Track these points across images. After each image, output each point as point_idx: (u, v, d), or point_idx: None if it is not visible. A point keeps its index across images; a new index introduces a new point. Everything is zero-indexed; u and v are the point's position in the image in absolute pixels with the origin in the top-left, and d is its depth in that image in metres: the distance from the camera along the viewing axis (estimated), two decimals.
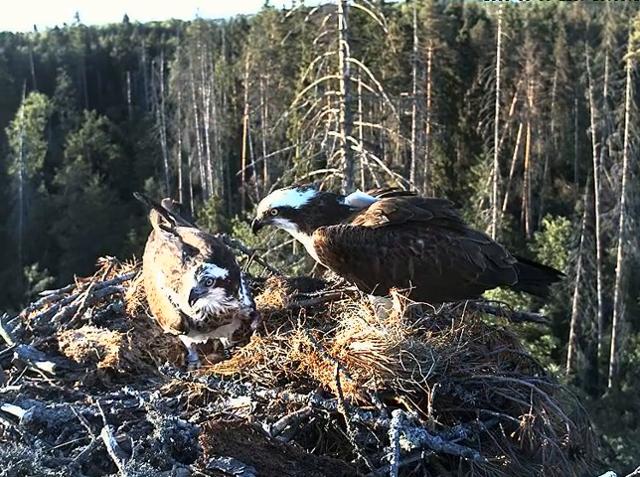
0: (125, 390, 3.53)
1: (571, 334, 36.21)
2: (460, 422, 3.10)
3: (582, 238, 36.57)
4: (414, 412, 3.00)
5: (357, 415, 2.99)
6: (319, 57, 29.93)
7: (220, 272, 3.70)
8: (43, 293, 4.90)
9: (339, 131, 27.99)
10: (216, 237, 4.89)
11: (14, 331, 4.24)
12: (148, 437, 3.01)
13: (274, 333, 3.58)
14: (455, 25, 57.65)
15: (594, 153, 41.82)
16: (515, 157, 48.91)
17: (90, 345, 3.93)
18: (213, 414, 3.25)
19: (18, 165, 53.52)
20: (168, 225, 4.33)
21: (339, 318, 3.48)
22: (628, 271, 39.12)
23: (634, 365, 35.74)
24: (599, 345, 37.71)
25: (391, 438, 2.86)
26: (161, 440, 2.94)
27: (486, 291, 4.07)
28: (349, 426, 2.89)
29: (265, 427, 3.03)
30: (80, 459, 2.93)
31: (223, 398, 3.36)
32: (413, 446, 2.88)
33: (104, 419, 3.11)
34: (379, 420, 2.98)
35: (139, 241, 40.32)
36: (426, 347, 3.10)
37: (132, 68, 71.14)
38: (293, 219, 3.76)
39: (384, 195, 3.86)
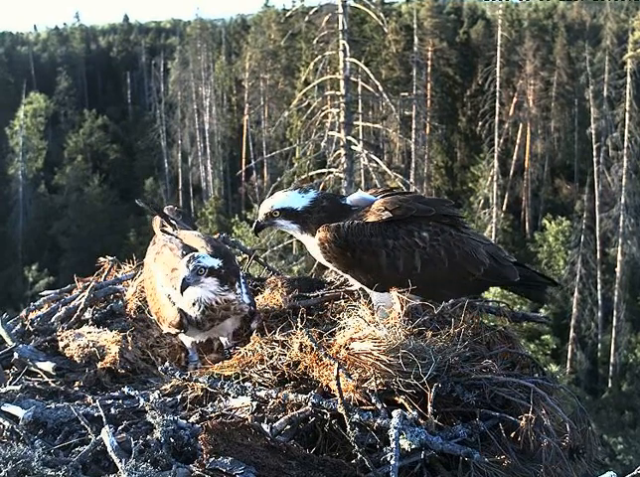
0: (125, 390, 3.53)
1: (571, 334, 36.22)
2: (460, 422, 3.10)
3: (582, 237, 36.57)
4: (414, 412, 3.00)
5: (357, 415, 2.99)
6: (319, 57, 29.93)
7: (212, 262, 3.69)
8: (43, 293, 4.90)
9: (339, 131, 27.99)
10: (216, 237, 4.91)
11: (14, 331, 4.24)
12: (148, 437, 3.01)
13: (274, 333, 3.58)
14: (455, 25, 57.65)
15: (594, 153, 41.83)
16: (515, 157, 48.92)
17: (90, 345, 3.93)
18: (213, 414, 3.25)
19: (18, 165, 53.52)
20: (169, 229, 4.34)
21: (339, 318, 3.47)
22: (628, 271, 39.12)
23: (634, 365, 35.74)
24: (599, 345, 37.71)
25: (391, 438, 2.86)
26: (161, 440, 2.94)
27: (486, 291, 4.08)
28: (349, 426, 2.89)
29: (265, 427, 3.03)
30: (80, 459, 2.93)
31: (223, 398, 3.36)
32: (413, 446, 2.88)
33: (104, 419, 3.11)
34: (379, 420, 2.98)
35: (139, 241, 40.39)
36: (426, 347, 3.10)
37: (132, 68, 71.15)
38: (295, 220, 3.76)
39: (385, 194, 3.87)
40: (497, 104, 45.04)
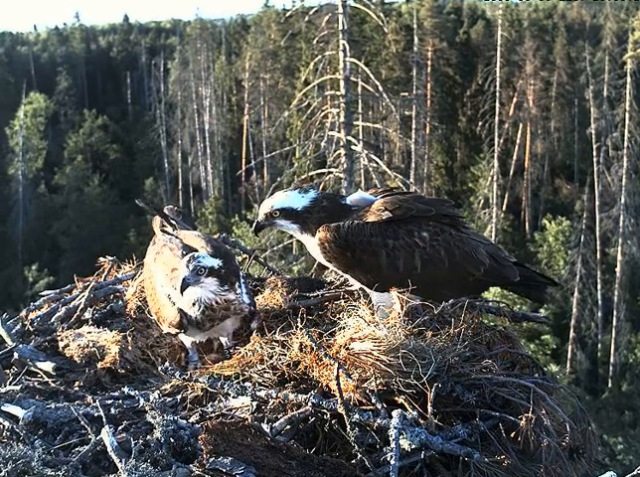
0: (125, 390, 3.53)
1: (571, 334, 36.22)
2: (460, 422, 3.10)
3: (582, 237, 36.57)
4: (414, 412, 3.00)
5: (357, 415, 2.99)
6: (319, 57, 29.93)
7: (212, 262, 3.69)
8: (43, 293, 4.90)
9: (339, 131, 27.99)
10: (216, 237, 4.91)
11: (14, 331, 4.24)
12: (148, 437, 3.01)
13: (274, 333, 3.58)
14: (455, 25, 57.66)
15: (594, 153, 41.83)
16: (515, 157, 48.92)
17: (90, 345, 3.93)
18: (213, 414, 3.25)
19: (18, 165, 53.53)
20: (169, 229, 4.34)
21: (339, 318, 3.47)
22: (628, 271, 39.12)
23: (634, 365, 35.74)
24: (599, 345, 37.71)
25: (391, 438, 2.86)
26: (161, 440, 2.94)
27: (486, 291, 4.08)
28: (349, 426, 2.89)
29: (265, 427, 3.03)
30: (80, 459, 2.93)
31: (223, 398, 3.36)
32: (413, 446, 2.88)
33: (104, 419, 3.11)
34: (379, 420, 2.98)
35: (139, 241, 40.39)
36: (426, 347, 3.10)
37: (132, 68, 71.15)
38: (295, 220, 3.75)
39: (385, 194, 3.87)
40: (497, 104, 45.04)
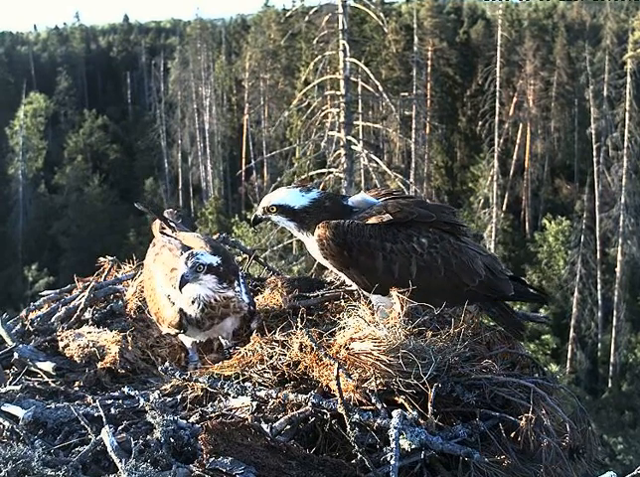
0: (125, 390, 3.53)
1: (571, 334, 36.22)
2: (460, 422, 3.10)
3: (582, 237, 36.58)
4: (414, 412, 3.00)
5: (357, 415, 2.99)
6: (319, 56, 29.93)
7: (211, 259, 3.70)
8: (43, 293, 4.90)
9: (339, 131, 27.99)
10: (215, 237, 4.91)
11: (14, 331, 4.24)
12: (148, 437, 3.01)
13: (274, 333, 3.58)
14: (455, 25, 57.64)
15: (594, 153, 41.83)
16: (515, 157, 48.92)
17: (90, 345, 3.94)
18: (213, 414, 3.25)
19: (18, 165, 53.53)
20: (169, 231, 4.35)
21: (339, 318, 3.47)
22: (628, 271, 39.13)
23: (634, 365, 35.75)
24: (599, 345, 37.72)
25: (391, 438, 2.86)
26: (161, 440, 2.94)
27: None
28: (349, 426, 2.89)
29: (265, 427, 3.03)
30: (80, 459, 2.93)
31: (223, 398, 3.36)
32: (413, 446, 2.88)
33: (104, 419, 3.11)
34: (379, 420, 2.98)
35: (139, 241, 40.39)
36: (426, 347, 3.10)
37: (132, 67, 71.14)
38: (292, 218, 3.75)
39: (387, 197, 3.87)
40: (497, 104, 45.03)
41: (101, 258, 5.12)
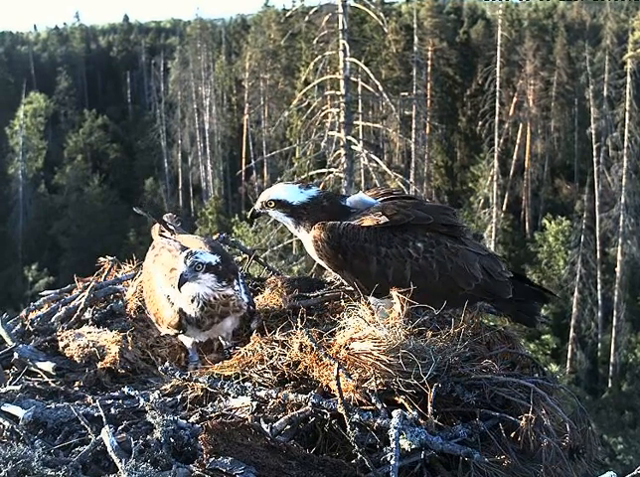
0: (125, 390, 3.53)
1: (571, 334, 36.23)
2: (460, 422, 3.10)
3: (582, 237, 36.58)
4: (414, 412, 3.00)
5: (357, 415, 2.99)
6: (319, 56, 29.93)
7: (210, 258, 3.70)
8: (43, 293, 4.90)
9: (339, 131, 27.99)
10: (215, 237, 4.92)
11: (14, 331, 4.24)
12: (148, 437, 3.01)
13: (274, 333, 3.58)
14: (455, 25, 57.64)
15: (594, 153, 41.83)
16: (515, 157, 48.92)
17: (90, 345, 3.94)
18: (213, 414, 3.25)
19: (18, 165, 53.53)
20: (168, 234, 4.35)
21: (339, 318, 3.47)
22: (628, 271, 39.13)
23: (634, 364, 35.75)
24: (599, 345, 37.73)
25: (391, 438, 2.86)
26: (161, 440, 2.94)
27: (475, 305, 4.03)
28: (349, 426, 2.89)
29: (265, 427, 3.04)
30: (80, 459, 2.93)
31: (223, 398, 3.36)
32: (413, 446, 2.88)
33: (104, 419, 3.11)
34: (379, 420, 2.98)
35: (139, 241, 40.40)
36: (426, 347, 3.10)
37: (132, 67, 71.13)
38: (290, 214, 3.74)
39: (385, 198, 3.86)
40: (497, 104, 45.03)
41: (101, 258, 5.12)
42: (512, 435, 3.10)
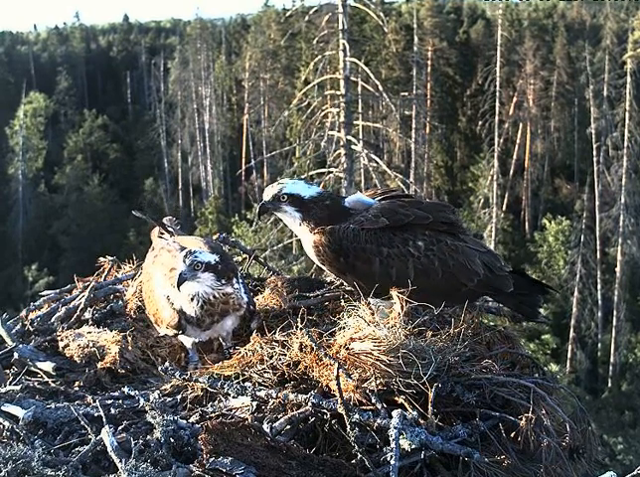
0: (125, 390, 3.53)
1: (571, 334, 36.22)
2: (460, 422, 3.10)
3: (582, 237, 36.57)
4: (414, 412, 3.00)
5: (357, 415, 2.99)
6: (319, 56, 29.92)
7: (209, 257, 3.70)
8: (43, 293, 4.90)
9: (339, 131, 27.99)
10: (215, 237, 4.92)
11: (14, 331, 4.24)
12: (148, 437, 3.01)
13: (274, 333, 3.58)
14: (455, 25, 57.65)
15: (594, 153, 41.82)
16: (515, 157, 48.91)
17: (90, 345, 3.94)
18: (213, 414, 3.25)
19: (18, 164, 53.52)
20: (167, 236, 4.36)
21: (339, 318, 3.47)
22: (628, 271, 39.12)
23: (634, 364, 35.75)
24: (599, 344, 37.72)
25: (391, 438, 2.86)
26: (161, 440, 2.94)
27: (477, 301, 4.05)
28: (349, 426, 2.89)
29: (265, 427, 3.04)
30: (80, 459, 2.93)
31: (223, 398, 3.36)
32: (413, 446, 2.88)
33: (104, 419, 3.11)
34: (379, 420, 2.98)
35: (139, 241, 40.39)
36: (426, 347, 3.10)
37: (132, 67, 71.13)
38: (300, 208, 3.73)
39: (383, 197, 3.86)
40: (497, 104, 45.02)
41: (101, 258, 5.12)
42: (512, 435, 3.10)
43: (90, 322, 4.37)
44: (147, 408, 3.21)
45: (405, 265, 3.60)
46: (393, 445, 2.83)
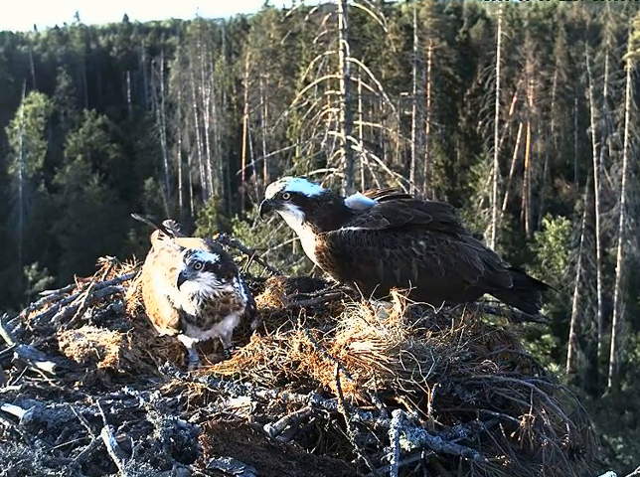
0: (125, 390, 3.53)
1: (571, 333, 36.23)
2: (460, 422, 3.10)
3: (582, 237, 36.58)
4: (414, 412, 3.00)
5: (357, 415, 2.99)
6: (319, 56, 29.92)
7: (209, 256, 3.70)
8: (43, 293, 4.90)
9: (339, 131, 27.99)
10: (215, 237, 4.93)
11: (14, 331, 4.24)
12: (148, 437, 3.00)
13: (274, 333, 3.58)
14: (455, 24, 57.65)
15: (594, 153, 41.83)
16: (515, 157, 48.92)
17: (90, 345, 3.93)
18: (213, 414, 3.25)
19: (18, 164, 53.52)
20: (167, 238, 4.36)
21: (339, 318, 3.47)
22: (628, 271, 39.13)
23: (634, 364, 35.76)
24: (599, 344, 37.73)
25: (391, 438, 2.86)
26: (161, 440, 2.93)
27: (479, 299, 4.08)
28: (349, 426, 2.89)
29: (265, 427, 3.03)
30: (80, 459, 2.93)
31: (223, 398, 3.36)
32: (413, 446, 2.88)
33: (104, 419, 3.11)
34: (379, 420, 2.97)
35: (139, 241, 40.39)
36: (426, 347, 3.10)
37: (132, 67, 71.12)
38: (302, 207, 3.73)
39: (383, 197, 3.86)
40: (497, 104, 45.03)
41: (101, 258, 5.12)
42: (512, 435, 3.10)
43: (90, 322, 4.37)
44: (147, 408, 3.20)
45: (409, 265, 3.61)
46: (393, 445, 2.83)
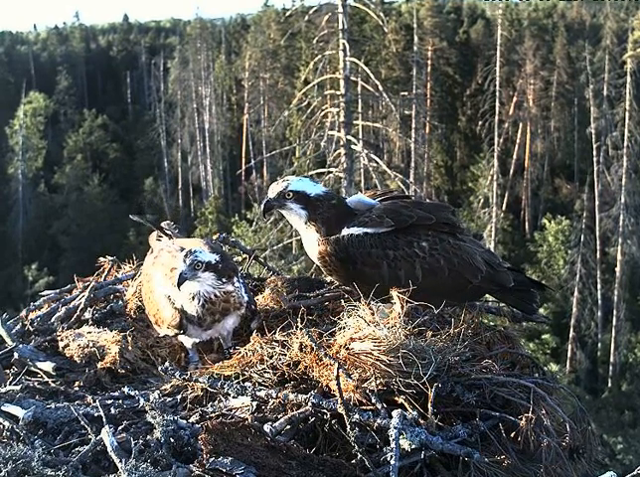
0: (125, 390, 3.53)
1: (571, 333, 36.22)
2: (460, 422, 3.10)
3: (582, 237, 36.58)
4: (414, 412, 3.00)
5: (357, 415, 2.99)
6: (319, 56, 29.92)
7: (209, 256, 3.70)
8: (43, 293, 4.90)
9: (339, 130, 27.99)
10: (215, 237, 4.93)
11: (14, 331, 4.24)
12: (148, 437, 3.00)
13: (274, 333, 3.58)
14: (455, 24, 57.64)
15: (594, 153, 41.82)
16: (515, 156, 48.91)
17: (90, 345, 3.93)
18: (213, 414, 3.25)
19: (18, 164, 53.51)
20: (166, 239, 4.36)
21: (339, 318, 3.47)
22: (628, 271, 39.13)
23: (634, 364, 35.75)
24: (599, 344, 37.72)
25: (391, 438, 2.86)
26: (161, 440, 2.93)
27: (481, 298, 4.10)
28: (349, 426, 2.89)
29: (265, 427, 3.03)
30: (80, 459, 2.93)
31: (223, 398, 3.36)
32: (413, 446, 2.88)
33: (104, 419, 3.11)
34: (379, 420, 2.97)
35: (139, 241, 40.37)
36: (426, 347, 3.10)
37: (132, 67, 71.11)
38: (305, 206, 3.72)
39: (384, 198, 3.87)
40: (497, 104, 45.02)
41: (101, 258, 5.12)
42: (512, 435, 3.10)
43: (90, 322, 4.37)
44: (147, 408, 3.20)
45: (413, 266, 3.63)
46: (393, 445, 2.83)
